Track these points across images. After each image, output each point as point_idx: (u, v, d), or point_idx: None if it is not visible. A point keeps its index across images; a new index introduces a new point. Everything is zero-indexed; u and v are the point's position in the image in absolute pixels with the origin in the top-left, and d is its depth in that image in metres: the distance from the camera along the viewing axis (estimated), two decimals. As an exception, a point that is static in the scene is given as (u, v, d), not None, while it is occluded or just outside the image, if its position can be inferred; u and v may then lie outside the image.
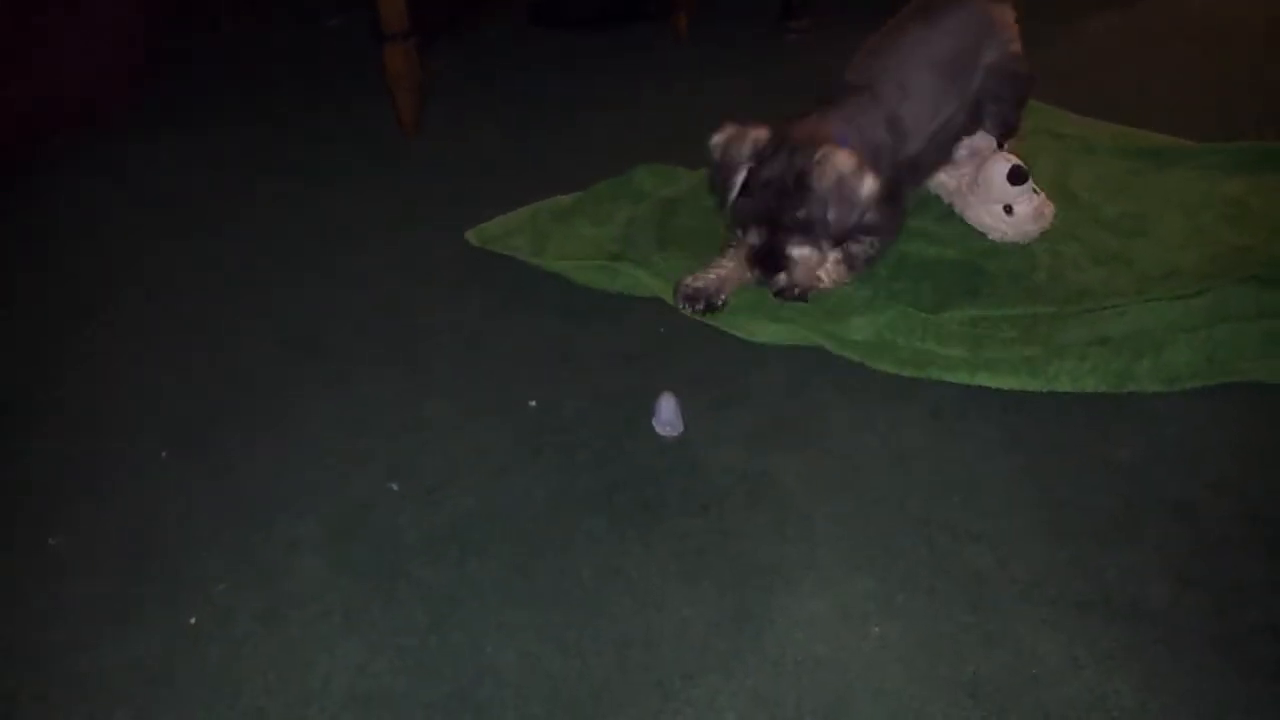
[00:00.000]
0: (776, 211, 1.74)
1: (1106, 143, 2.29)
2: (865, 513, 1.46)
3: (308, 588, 1.39)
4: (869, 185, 1.72)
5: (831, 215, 1.72)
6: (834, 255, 1.83)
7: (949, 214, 2.04)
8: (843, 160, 1.72)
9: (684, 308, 1.83)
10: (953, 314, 1.79)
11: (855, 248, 1.85)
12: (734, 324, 1.81)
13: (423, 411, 1.69)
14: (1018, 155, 1.97)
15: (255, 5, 3.35)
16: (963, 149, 2.02)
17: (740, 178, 1.77)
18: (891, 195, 1.86)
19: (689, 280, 1.85)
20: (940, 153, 2.01)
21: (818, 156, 1.71)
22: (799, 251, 1.76)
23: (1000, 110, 2.01)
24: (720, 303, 1.83)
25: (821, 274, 1.83)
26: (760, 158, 1.75)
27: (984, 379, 1.66)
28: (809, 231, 1.74)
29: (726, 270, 1.86)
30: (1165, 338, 1.67)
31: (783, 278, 1.79)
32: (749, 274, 1.85)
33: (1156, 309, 1.74)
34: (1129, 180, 2.15)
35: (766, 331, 1.79)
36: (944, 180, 2.04)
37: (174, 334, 1.95)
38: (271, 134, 2.68)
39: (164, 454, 1.64)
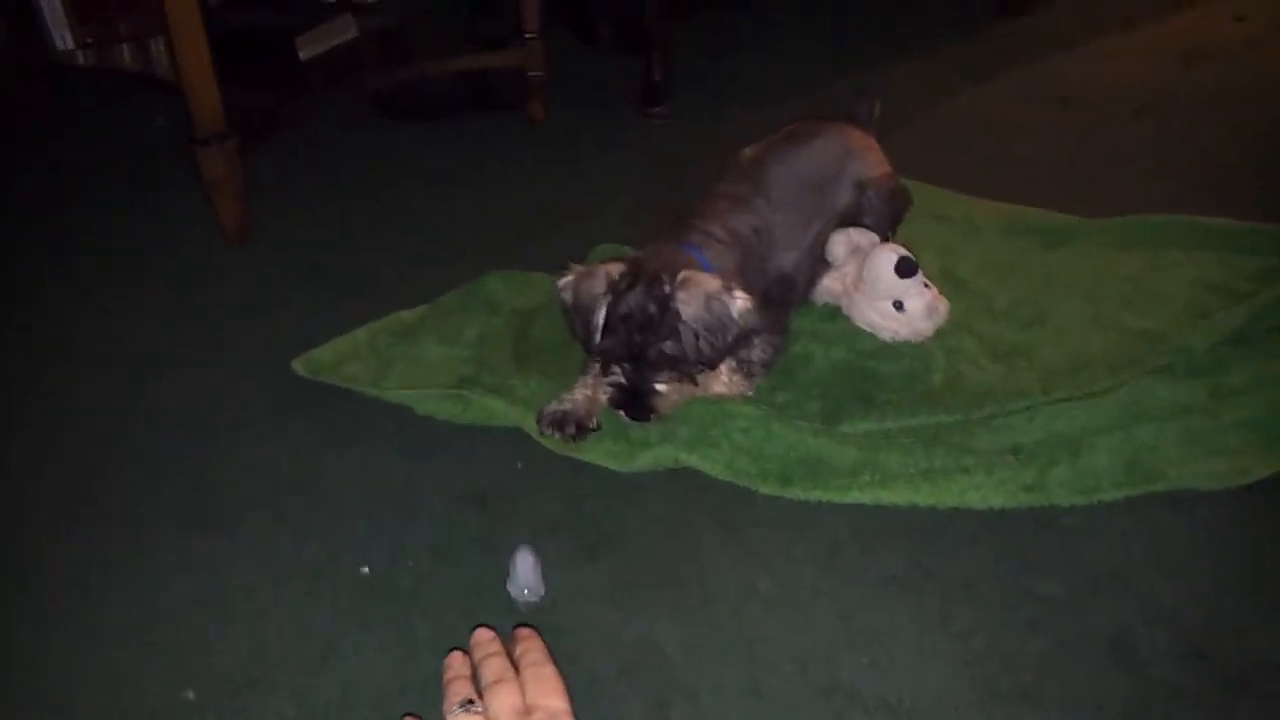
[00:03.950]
0: (641, 346, 1.55)
1: (991, 222, 2.15)
2: (761, 683, 1.23)
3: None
4: (740, 302, 1.56)
5: (704, 343, 1.55)
6: (729, 364, 1.66)
7: (835, 311, 1.85)
8: (706, 281, 1.57)
9: (550, 435, 1.60)
10: (845, 428, 1.59)
11: (752, 353, 1.69)
12: (601, 454, 1.58)
13: (230, 585, 1.41)
14: (902, 244, 1.81)
15: (74, 102, 3.04)
16: (840, 246, 1.84)
17: (600, 316, 1.58)
18: (768, 301, 1.69)
19: (554, 404, 1.62)
20: (816, 266, 1.89)
21: (679, 280, 1.55)
22: (666, 387, 1.58)
23: (877, 224, 1.92)
24: (594, 424, 1.60)
25: (720, 387, 1.66)
26: (616, 291, 1.57)
27: (882, 497, 1.47)
28: (676, 365, 1.57)
29: (593, 389, 1.64)
30: (1080, 442, 1.51)
31: (653, 418, 1.59)
32: None
33: (1067, 410, 1.57)
34: (1019, 262, 2.01)
35: (639, 460, 1.56)
36: (827, 284, 1.86)
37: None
38: (78, 244, 2.35)
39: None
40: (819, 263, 1.88)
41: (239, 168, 2.16)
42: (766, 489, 1.50)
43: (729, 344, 1.58)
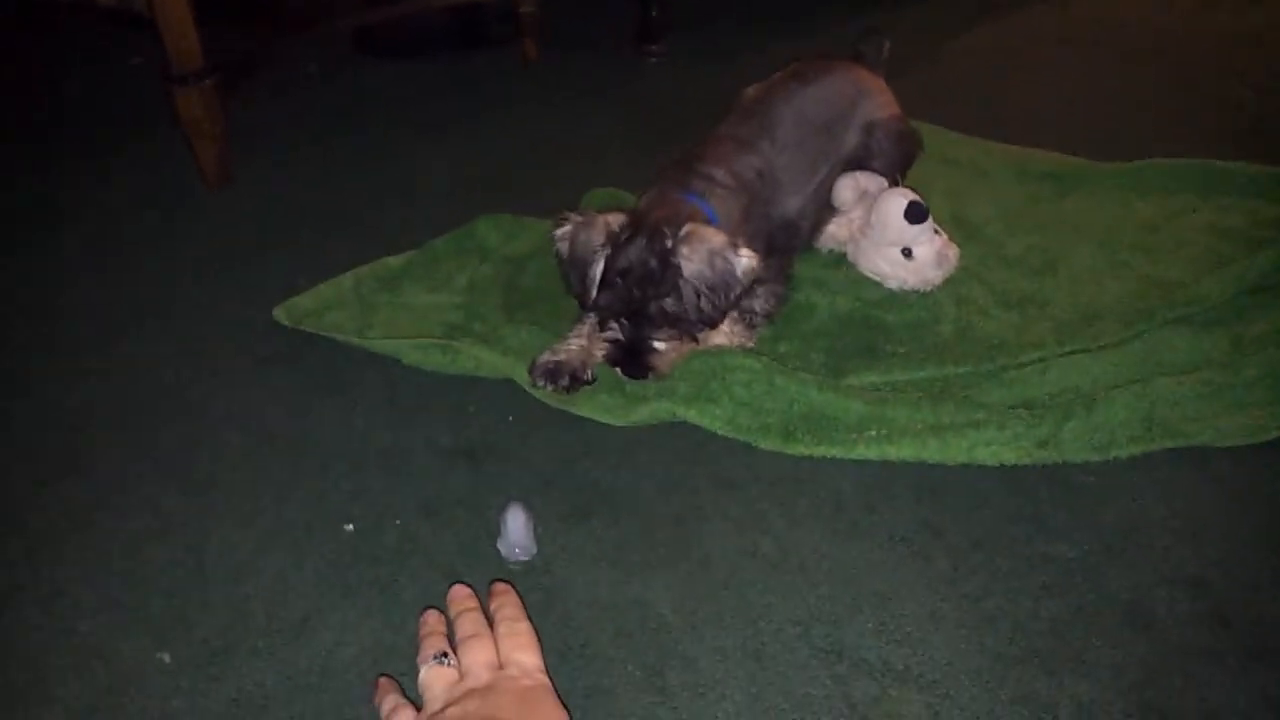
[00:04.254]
0: (640, 302, 1.48)
1: (1001, 166, 2.07)
2: (762, 648, 1.17)
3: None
4: (745, 260, 1.49)
5: (705, 301, 1.48)
6: (730, 314, 1.58)
7: (840, 259, 1.78)
8: (711, 236, 1.49)
9: (543, 387, 1.53)
10: (850, 381, 1.52)
11: (754, 303, 1.62)
12: (596, 408, 1.51)
13: (205, 545, 1.35)
14: (911, 188, 1.74)
15: (48, 40, 2.93)
16: (847, 190, 1.76)
17: (598, 269, 1.51)
18: (771, 248, 1.62)
19: (546, 355, 1.55)
20: (821, 211, 1.81)
21: (682, 234, 1.47)
22: (664, 345, 1.52)
23: (886, 167, 1.83)
24: (588, 376, 1.54)
25: (721, 338, 1.59)
26: (615, 244, 1.50)
27: (889, 453, 1.41)
28: (676, 323, 1.50)
29: (588, 339, 1.57)
30: (1095, 396, 1.44)
31: (651, 376, 1.53)
32: None
33: (1081, 362, 1.51)
34: (1031, 209, 1.93)
35: (636, 414, 1.50)
36: (832, 230, 1.78)
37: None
38: (49, 191, 2.26)
39: None
40: (825, 208, 1.81)
41: (218, 108, 2.07)
42: (768, 445, 1.44)
43: (731, 302, 1.52)
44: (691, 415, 1.48)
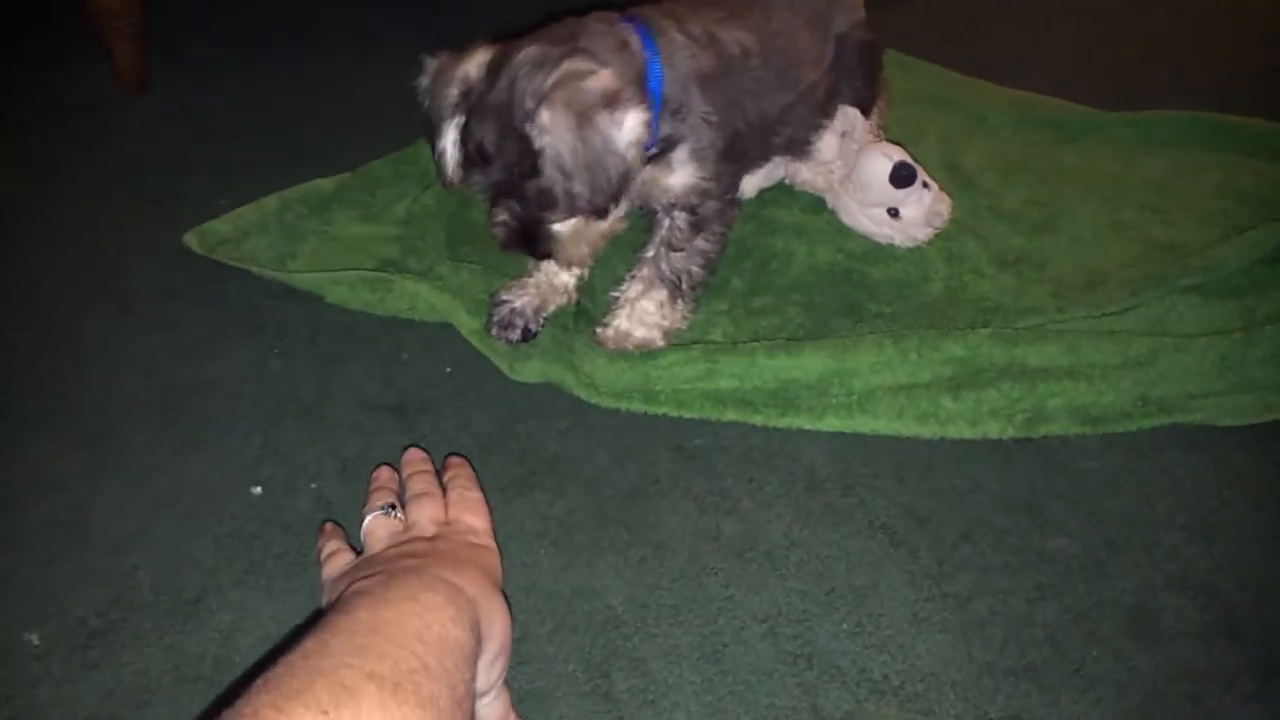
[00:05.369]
0: (508, 186, 1.15)
1: (1000, 110, 1.90)
2: (722, 649, 1.04)
3: None
4: (629, 127, 1.10)
5: (578, 187, 1.11)
6: (657, 296, 1.34)
7: (820, 203, 1.61)
8: (580, 92, 1.09)
9: (497, 339, 1.37)
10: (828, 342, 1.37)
11: (679, 261, 1.33)
12: (551, 369, 1.35)
13: (90, 507, 1.17)
14: (898, 137, 1.57)
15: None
16: (829, 149, 1.53)
17: (448, 140, 1.19)
18: (730, 154, 1.31)
19: (502, 294, 1.39)
20: (807, 125, 1.49)
21: (547, 86, 1.08)
22: (561, 227, 1.18)
23: (853, 87, 1.55)
24: (536, 327, 1.37)
25: (649, 333, 1.34)
26: (470, 105, 1.15)
27: (861, 425, 1.27)
28: (560, 205, 1.15)
29: (546, 279, 1.40)
30: (1092, 366, 1.29)
31: (560, 263, 1.30)
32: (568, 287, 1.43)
33: (1078, 328, 1.36)
34: (1030, 158, 1.77)
35: (598, 369, 1.32)
36: (809, 178, 1.59)
37: None
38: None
39: None
40: (811, 124, 1.50)
41: (137, 2, 1.83)
42: (731, 416, 1.29)
43: (614, 186, 1.13)
44: (648, 409, 1.31)
